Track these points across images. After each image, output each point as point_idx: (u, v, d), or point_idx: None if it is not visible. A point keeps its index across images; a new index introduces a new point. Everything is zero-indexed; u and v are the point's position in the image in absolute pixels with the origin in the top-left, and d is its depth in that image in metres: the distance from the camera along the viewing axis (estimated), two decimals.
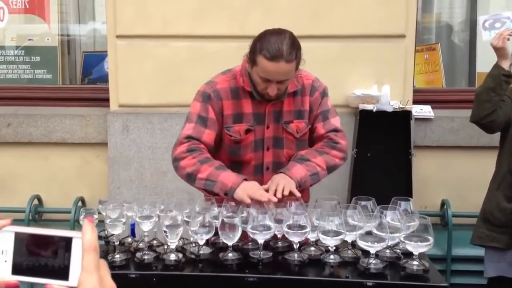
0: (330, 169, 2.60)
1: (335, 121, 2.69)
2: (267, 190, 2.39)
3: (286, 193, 2.37)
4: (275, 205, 2.34)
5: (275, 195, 2.36)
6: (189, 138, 2.53)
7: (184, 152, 2.50)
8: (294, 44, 2.44)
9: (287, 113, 2.62)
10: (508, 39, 2.95)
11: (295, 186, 2.42)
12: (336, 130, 2.66)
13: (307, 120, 2.66)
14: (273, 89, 2.46)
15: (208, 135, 2.55)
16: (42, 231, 0.80)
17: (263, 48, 2.40)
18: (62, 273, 0.78)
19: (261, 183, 2.52)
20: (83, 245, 0.77)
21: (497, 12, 3.35)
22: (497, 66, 2.96)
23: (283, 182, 2.40)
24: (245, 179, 2.43)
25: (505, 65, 2.93)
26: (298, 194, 2.38)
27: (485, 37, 3.27)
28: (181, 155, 2.51)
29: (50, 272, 0.78)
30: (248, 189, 2.37)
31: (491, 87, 2.93)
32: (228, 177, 2.41)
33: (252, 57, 2.46)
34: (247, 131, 2.59)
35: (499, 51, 2.96)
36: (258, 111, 2.60)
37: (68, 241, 0.79)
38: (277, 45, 2.38)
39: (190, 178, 2.48)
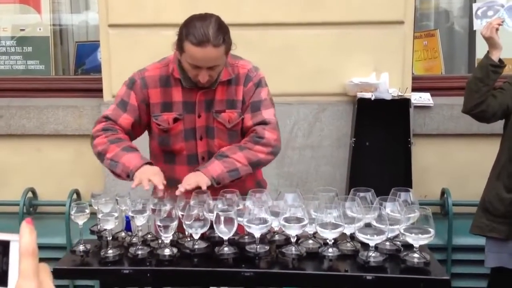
0: (254, 164, 2.51)
1: (267, 113, 2.57)
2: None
3: (190, 188, 2.33)
4: (182, 196, 2.32)
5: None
6: (106, 118, 2.55)
7: (99, 130, 2.52)
8: (221, 28, 2.39)
9: (218, 102, 2.55)
10: (498, 29, 2.89)
11: (210, 183, 2.38)
12: (265, 123, 2.55)
13: (239, 110, 2.58)
14: (204, 76, 2.40)
15: (125, 119, 2.54)
16: None
17: (189, 34, 2.35)
18: (1, 278, 0.73)
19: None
20: (20, 249, 0.72)
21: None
22: (486, 56, 2.93)
23: (193, 179, 2.37)
24: (149, 163, 2.41)
25: (495, 55, 2.89)
26: (204, 187, 2.34)
27: (476, 26, 3.22)
28: (96, 133, 2.53)
29: None
30: (146, 172, 2.36)
31: (479, 77, 2.90)
32: (131, 159, 2.40)
33: (179, 44, 2.41)
34: (175, 120, 2.54)
35: (488, 41, 2.92)
36: (188, 100, 2.54)
37: (5, 244, 0.73)
38: (202, 30, 2.33)
39: (100, 156, 2.50)
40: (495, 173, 2.98)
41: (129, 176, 2.38)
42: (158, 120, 2.55)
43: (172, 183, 2.43)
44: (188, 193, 2.33)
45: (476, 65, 3.00)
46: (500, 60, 2.91)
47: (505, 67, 2.96)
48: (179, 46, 2.42)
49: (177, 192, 2.33)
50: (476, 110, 2.93)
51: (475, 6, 3.23)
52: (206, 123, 2.56)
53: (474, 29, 3.30)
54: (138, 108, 2.54)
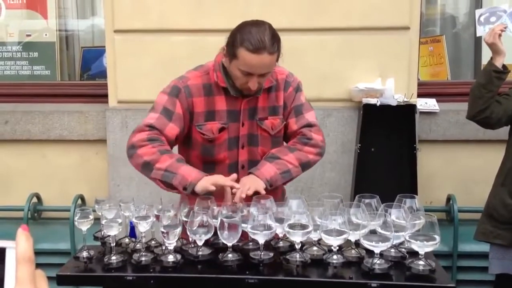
0: (304, 165, 2.52)
1: (309, 116, 2.60)
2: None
3: (250, 192, 2.30)
4: (243, 202, 2.29)
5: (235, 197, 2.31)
6: (150, 127, 2.41)
7: (144, 140, 2.38)
8: (275, 36, 2.37)
9: (261, 109, 2.54)
10: (501, 35, 2.88)
11: (265, 185, 2.36)
12: (309, 125, 2.58)
13: (281, 116, 2.59)
14: (254, 83, 2.37)
15: (171, 129, 2.43)
16: None
17: (244, 40, 2.31)
18: None
19: (237, 181, 2.41)
20: (16, 256, 0.71)
21: (498, 5, 3.26)
22: (489, 62, 2.91)
23: (249, 183, 2.34)
24: (206, 175, 2.34)
25: (498, 61, 2.87)
26: (263, 192, 2.32)
27: (479, 32, 3.21)
28: (139, 143, 2.38)
29: None
30: (210, 178, 2.31)
31: (483, 83, 2.88)
32: (189, 171, 2.32)
33: (231, 51, 2.36)
34: (221, 129, 2.49)
35: (491, 47, 2.90)
36: (232, 108, 2.50)
37: (1, 251, 0.72)
38: (259, 36, 2.30)
39: (147, 167, 2.36)
40: (499, 179, 2.96)
41: (185, 189, 2.29)
42: (202, 130, 2.48)
43: (211, 193, 2.35)
44: (247, 199, 2.30)
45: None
46: (504, 66, 2.89)
47: (509, 73, 2.94)
48: (231, 53, 2.36)
49: (237, 199, 2.28)
50: (480, 117, 2.92)
51: (477, 12, 3.21)
52: (249, 131, 2.54)
53: (477, 35, 3.28)
54: (183, 118, 2.45)
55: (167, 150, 2.38)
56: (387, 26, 3.78)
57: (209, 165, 2.50)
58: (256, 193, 2.32)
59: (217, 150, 2.52)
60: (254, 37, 2.30)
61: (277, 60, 2.40)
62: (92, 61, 4.62)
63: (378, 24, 3.77)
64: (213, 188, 2.26)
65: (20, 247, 0.71)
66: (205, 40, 3.82)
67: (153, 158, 2.34)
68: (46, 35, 4.54)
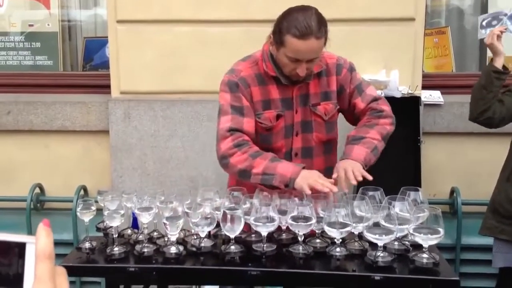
0: (385, 138, 2.55)
1: (371, 91, 2.62)
2: (336, 180, 2.32)
3: (360, 177, 2.29)
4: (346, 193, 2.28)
5: (352, 181, 2.30)
6: (231, 130, 2.41)
7: (231, 148, 2.39)
8: (322, 20, 2.36)
9: (313, 95, 2.55)
10: (500, 36, 2.87)
11: (362, 167, 2.36)
12: (375, 99, 2.60)
13: (335, 101, 2.58)
14: (303, 69, 2.37)
15: (248, 123, 2.45)
16: None
17: (291, 27, 2.31)
18: (16, 281, 0.70)
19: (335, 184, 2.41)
20: (36, 252, 0.69)
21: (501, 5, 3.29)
22: (489, 63, 2.92)
23: (350, 167, 2.32)
24: (303, 167, 2.34)
25: (498, 62, 2.87)
26: (369, 177, 2.30)
27: (480, 35, 3.25)
28: (228, 152, 2.39)
29: (3, 280, 0.71)
30: (308, 177, 2.28)
31: (483, 84, 2.87)
32: (286, 168, 2.32)
33: (278, 38, 2.36)
34: (278, 116, 2.51)
35: (490, 48, 2.91)
36: (285, 96, 2.52)
37: (21, 246, 0.71)
38: (306, 22, 2.30)
39: (244, 174, 2.38)
40: (504, 175, 2.94)
41: (287, 186, 2.30)
42: (260, 119, 2.49)
43: None
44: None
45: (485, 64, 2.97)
46: (504, 66, 2.88)
47: (509, 73, 2.93)
48: (278, 40, 2.37)
49: (354, 182, 2.29)
50: (482, 117, 2.90)
51: (480, 18, 3.25)
52: (303, 117, 2.55)
53: (479, 38, 3.32)
54: (251, 108, 2.47)
55: (257, 152, 2.39)
56: (392, 17, 3.75)
57: None
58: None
59: (274, 138, 2.53)
60: (301, 23, 2.30)
61: (324, 44, 2.40)
62: (94, 51, 4.60)
63: (382, 16, 3.74)
64: (309, 192, 2.24)
65: (40, 243, 0.70)
66: (208, 31, 3.81)
67: (247, 164, 2.35)
68: (48, 25, 4.52)
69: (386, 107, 2.60)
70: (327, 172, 2.59)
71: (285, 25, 2.33)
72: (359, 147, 2.43)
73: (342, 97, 2.59)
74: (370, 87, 2.64)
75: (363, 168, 2.36)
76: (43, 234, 0.70)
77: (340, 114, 2.70)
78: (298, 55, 2.33)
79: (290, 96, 2.52)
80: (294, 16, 2.33)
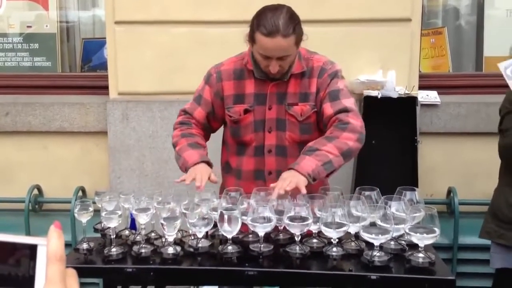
0: (345, 154, 2.40)
1: (347, 102, 2.50)
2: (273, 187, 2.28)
3: (289, 188, 2.23)
4: (287, 197, 2.24)
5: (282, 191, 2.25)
6: (184, 111, 2.71)
7: (177, 123, 2.70)
8: (292, 19, 2.41)
9: (291, 95, 2.57)
10: None
11: (308, 180, 2.29)
12: (346, 110, 2.47)
13: (313, 103, 2.57)
14: (274, 66, 2.43)
15: (199, 113, 2.66)
16: (4, 238, 0.73)
17: (260, 25, 2.39)
18: (27, 283, 0.71)
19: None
20: (47, 254, 0.70)
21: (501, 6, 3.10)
22: None
23: (289, 178, 2.27)
24: (206, 162, 2.48)
25: None
26: (303, 191, 2.23)
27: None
28: (174, 126, 2.70)
29: (14, 282, 0.71)
30: (196, 169, 2.41)
31: None
32: (192, 155, 2.49)
33: (251, 35, 2.46)
34: (246, 111, 2.58)
35: None
36: (260, 92, 2.57)
37: (32, 248, 0.72)
38: (273, 20, 2.37)
39: (173, 147, 2.63)
40: (503, 178, 2.92)
41: (186, 171, 2.45)
42: (230, 112, 2.61)
43: (240, 175, 2.64)
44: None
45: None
46: None
47: None
48: (251, 37, 2.47)
49: (274, 196, 2.22)
50: None
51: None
52: (277, 115, 2.58)
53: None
54: (211, 102, 2.64)
55: (189, 133, 2.63)
56: (389, 18, 3.76)
57: (239, 147, 2.66)
58: (296, 189, 2.24)
59: (243, 132, 2.60)
60: (269, 21, 2.37)
61: (297, 43, 2.43)
62: (93, 52, 4.61)
63: (379, 16, 3.75)
64: (188, 181, 2.37)
65: (51, 245, 0.70)
66: (207, 31, 3.82)
67: (176, 140, 2.62)
68: (47, 26, 4.53)
69: (355, 122, 2.46)
70: None
71: (255, 23, 2.42)
72: (310, 159, 2.34)
73: (316, 101, 2.57)
74: (349, 100, 2.53)
75: (310, 181, 2.29)
76: (55, 236, 0.71)
77: None
78: (267, 52, 2.41)
79: (265, 91, 2.56)
80: (264, 15, 2.41)
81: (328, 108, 2.50)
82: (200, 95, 2.67)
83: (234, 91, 2.59)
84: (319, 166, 2.33)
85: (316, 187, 2.39)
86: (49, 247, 0.70)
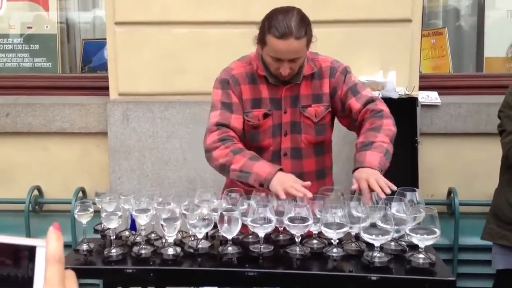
0: (392, 139, 2.46)
1: (367, 92, 2.58)
2: (360, 191, 2.26)
3: (388, 190, 2.19)
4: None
5: (383, 192, 2.20)
6: (218, 125, 2.48)
7: (215, 141, 2.45)
8: (303, 20, 2.40)
9: (304, 97, 2.57)
10: None
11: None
12: (372, 100, 2.54)
13: (326, 103, 2.59)
14: (286, 69, 2.42)
15: (236, 120, 2.51)
16: (4, 239, 0.73)
17: (271, 27, 2.37)
18: (26, 284, 0.71)
19: (312, 189, 2.38)
20: (46, 255, 0.70)
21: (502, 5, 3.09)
22: None
23: (372, 177, 2.24)
24: (280, 169, 2.34)
25: None
26: (394, 187, 2.22)
27: None
28: (212, 145, 2.45)
29: (13, 283, 0.71)
30: (284, 182, 2.26)
31: None
32: (262, 167, 2.33)
33: (261, 38, 2.43)
34: (265, 115, 2.55)
35: None
36: (274, 96, 2.56)
37: (31, 250, 0.72)
38: (285, 22, 2.34)
39: (224, 169, 2.43)
40: (504, 178, 2.91)
41: (262, 185, 2.30)
42: (248, 117, 2.55)
43: None
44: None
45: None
46: None
47: None
48: (261, 40, 2.44)
49: (382, 195, 2.17)
50: None
51: None
52: (292, 118, 2.57)
53: None
54: (240, 105, 2.54)
55: (239, 148, 2.42)
56: (389, 18, 3.76)
57: (255, 151, 2.50)
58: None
59: (262, 137, 2.57)
60: (281, 23, 2.35)
61: (307, 44, 2.43)
62: (93, 53, 4.61)
63: (380, 17, 3.75)
64: (283, 196, 2.21)
65: (50, 246, 0.71)
66: (207, 32, 3.82)
67: (228, 159, 2.39)
68: (47, 27, 4.53)
69: (385, 108, 2.55)
70: (319, 174, 2.63)
71: (266, 25, 2.40)
72: (371, 153, 2.34)
73: (334, 100, 2.59)
74: (367, 89, 2.61)
75: (381, 174, 2.28)
76: (53, 237, 0.71)
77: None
78: (279, 54, 2.39)
79: (279, 96, 2.55)
80: (275, 17, 2.39)
81: (355, 103, 2.53)
82: (227, 102, 2.52)
83: (251, 95, 2.55)
84: (382, 157, 2.35)
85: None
86: (48, 249, 0.70)
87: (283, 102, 2.55)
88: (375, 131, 2.43)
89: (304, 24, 2.39)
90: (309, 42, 2.43)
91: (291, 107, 2.56)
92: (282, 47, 2.36)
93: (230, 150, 2.40)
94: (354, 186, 2.27)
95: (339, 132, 3.84)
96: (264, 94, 2.56)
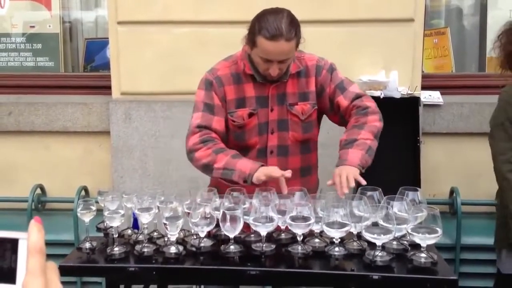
0: (377, 136, 2.54)
1: (354, 88, 2.63)
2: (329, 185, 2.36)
3: (352, 183, 2.30)
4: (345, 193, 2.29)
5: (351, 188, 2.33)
6: (199, 127, 2.52)
7: (197, 143, 2.50)
8: (293, 22, 2.42)
9: (291, 95, 2.59)
10: None
11: (359, 171, 2.37)
12: (359, 96, 2.59)
13: (313, 101, 2.62)
14: (275, 69, 2.44)
15: (217, 122, 2.54)
16: None
17: (262, 28, 2.39)
18: (10, 276, 0.74)
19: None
20: (28, 247, 0.73)
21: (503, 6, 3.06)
22: None
23: (345, 172, 2.33)
24: (262, 165, 2.39)
25: None
26: (363, 181, 2.31)
27: None
28: (195, 147, 2.50)
29: None
30: (265, 170, 2.35)
31: None
32: (245, 164, 2.39)
33: (251, 38, 2.45)
34: (250, 115, 2.57)
35: None
36: (261, 94, 2.57)
37: (14, 242, 0.74)
38: (276, 24, 2.37)
39: (207, 168, 2.48)
40: None
41: (246, 181, 2.36)
42: (233, 117, 2.57)
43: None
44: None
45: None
46: None
47: None
48: (251, 41, 2.45)
49: (345, 190, 2.28)
50: None
51: None
52: (279, 116, 2.59)
53: None
54: (222, 107, 2.56)
55: (221, 148, 2.48)
56: (391, 18, 3.76)
57: (241, 149, 2.56)
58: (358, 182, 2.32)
59: (247, 136, 2.59)
60: (271, 25, 2.37)
61: (297, 46, 2.45)
62: (95, 52, 4.62)
63: (382, 16, 3.75)
64: (264, 178, 2.31)
65: (31, 238, 0.73)
66: (209, 32, 3.82)
67: (210, 159, 2.44)
68: (49, 26, 4.53)
69: (371, 103, 2.60)
70: (303, 171, 2.66)
71: (257, 26, 2.41)
72: (353, 151, 2.43)
73: (322, 98, 2.62)
74: (354, 85, 2.65)
75: (360, 171, 2.37)
76: (35, 229, 0.73)
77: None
78: (269, 55, 2.41)
79: (265, 94, 2.57)
80: (266, 18, 2.41)
81: (343, 100, 2.58)
82: (209, 103, 2.55)
83: (235, 95, 2.57)
84: (364, 154, 2.43)
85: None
86: (30, 240, 0.72)
87: (270, 100, 2.57)
88: (358, 128, 2.51)
89: (294, 25, 2.42)
90: (298, 43, 2.46)
91: (278, 105, 2.58)
92: (272, 49, 2.38)
93: (212, 150, 2.46)
94: (329, 182, 2.37)
95: (340, 133, 3.84)
96: (249, 93, 2.57)
